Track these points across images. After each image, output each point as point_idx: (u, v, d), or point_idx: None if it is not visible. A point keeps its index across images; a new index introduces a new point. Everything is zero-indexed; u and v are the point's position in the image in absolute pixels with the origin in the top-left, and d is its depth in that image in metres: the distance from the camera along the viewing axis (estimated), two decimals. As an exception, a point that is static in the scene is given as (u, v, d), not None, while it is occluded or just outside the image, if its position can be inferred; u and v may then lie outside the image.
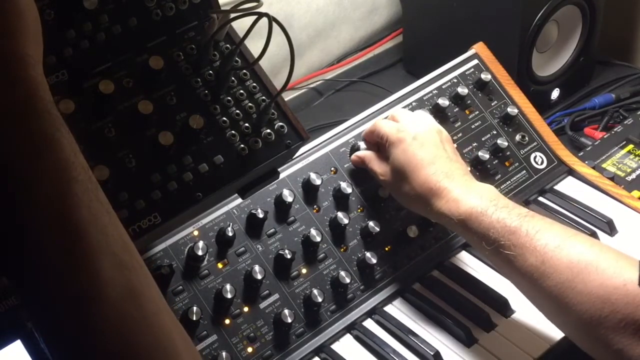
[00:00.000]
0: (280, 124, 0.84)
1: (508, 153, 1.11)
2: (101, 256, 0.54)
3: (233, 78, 0.84)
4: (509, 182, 1.10)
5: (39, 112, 0.56)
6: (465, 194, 0.90)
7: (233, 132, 0.81)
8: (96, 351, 0.53)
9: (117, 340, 0.53)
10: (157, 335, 0.55)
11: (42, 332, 0.55)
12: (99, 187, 0.58)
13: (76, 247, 0.54)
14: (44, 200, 0.54)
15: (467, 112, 1.11)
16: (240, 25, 0.82)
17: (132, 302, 0.55)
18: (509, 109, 1.11)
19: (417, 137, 0.95)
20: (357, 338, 0.94)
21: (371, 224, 0.98)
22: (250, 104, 0.84)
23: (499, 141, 1.09)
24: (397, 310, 0.97)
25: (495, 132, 1.11)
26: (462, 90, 1.10)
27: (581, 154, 1.20)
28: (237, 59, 0.84)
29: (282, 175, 0.93)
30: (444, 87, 1.11)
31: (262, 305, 0.91)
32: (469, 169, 1.06)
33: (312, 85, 1.50)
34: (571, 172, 1.14)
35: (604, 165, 1.18)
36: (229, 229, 0.90)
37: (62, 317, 0.53)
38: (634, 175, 1.17)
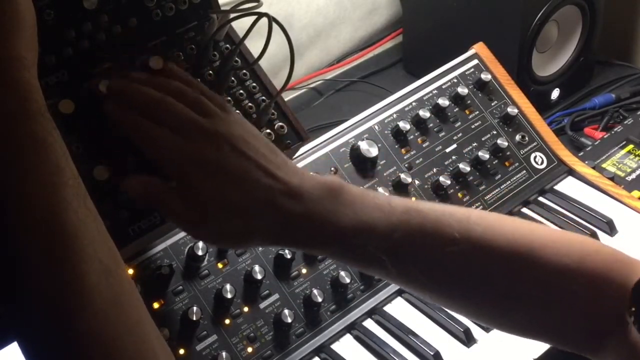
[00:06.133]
0: (280, 124, 0.84)
1: (508, 153, 1.11)
2: (88, 263, 0.54)
3: (233, 78, 0.84)
4: (509, 182, 1.10)
5: (32, 115, 0.56)
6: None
7: (233, 132, 0.81)
8: (77, 357, 0.53)
9: (99, 347, 0.53)
10: (138, 342, 0.55)
11: (22, 338, 0.55)
12: (87, 194, 0.58)
13: (63, 253, 0.53)
14: (33, 204, 0.54)
15: (467, 112, 1.11)
16: (240, 25, 0.82)
17: (115, 310, 0.54)
18: (509, 109, 1.11)
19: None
20: (357, 338, 0.94)
21: (371, 224, 0.98)
22: (250, 104, 0.84)
23: (499, 141, 1.09)
24: (397, 310, 0.97)
25: (495, 132, 1.11)
26: (462, 90, 1.10)
27: (581, 154, 1.21)
28: (237, 59, 0.84)
29: (282, 175, 0.93)
30: (444, 87, 1.11)
31: (262, 305, 0.91)
32: (469, 169, 1.06)
33: (312, 85, 1.50)
34: (571, 172, 1.14)
35: (604, 165, 1.18)
36: (229, 228, 0.90)
37: (45, 324, 0.53)
38: (634, 175, 1.17)
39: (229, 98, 0.83)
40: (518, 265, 0.68)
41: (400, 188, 1.03)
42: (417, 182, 1.05)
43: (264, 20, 0.77)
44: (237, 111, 0.82)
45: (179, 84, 0.73)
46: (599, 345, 0.69)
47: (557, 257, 0.68)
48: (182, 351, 0.85)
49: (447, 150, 1.08)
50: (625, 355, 0.67)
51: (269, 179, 0.67)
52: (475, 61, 1.15)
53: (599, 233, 1.05)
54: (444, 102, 1.08)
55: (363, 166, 1.02)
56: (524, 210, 1.10)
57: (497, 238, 0.68)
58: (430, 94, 1.10)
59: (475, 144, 1.10)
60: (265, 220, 0.67)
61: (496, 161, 1.10)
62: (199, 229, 0.68)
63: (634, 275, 0.67)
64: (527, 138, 1.13)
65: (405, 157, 1.06)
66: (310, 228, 0.67)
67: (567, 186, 1.13)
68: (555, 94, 1.37)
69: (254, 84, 0.85)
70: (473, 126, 1.11)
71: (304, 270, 0.94)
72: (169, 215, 0.69)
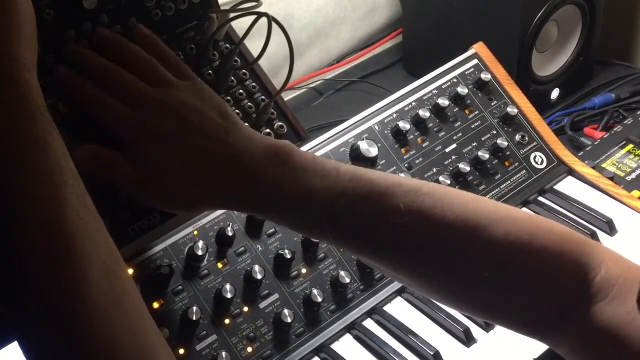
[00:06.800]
0: (280, 123, 0.84)
1: (508, 153, 1.11)
2: (89, 262, 0.54)
3: (233, 78, 0.84)
4: (509, 182, 1.10)
5: (32, 115, 0.56)
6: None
7: (233, 132, 0.81)
8: (79, 356, 0.53)
9: (100, 346, 0.53)
10: (140, 341, 0.55)
11: (23, 338, 0.55)
12: (87, 194, 0.58)
13: (64, 253, 0.53)
14: (33, 204, 0.54)
15: (467, 112, 1.11)
16: (240, 25, 0.82)
17: (116, 309, 0.54)
18: (509, 109, 1.11)
19: None
20: (357, 338, 0.94)
21: (371, 224, 0.98)
22: (250, 104, 0.84)
23: (499, 141, 1.09)
24: (397, 310, 0.97)
25: (495, 132, 1.11)
26: (462, 90, 1.10)
27: (581, 154, 1.20)
28: (236, 58, 0.84)
29: (282, 175, 0.93)
30: (444, 87, 1.11)
31: (262, 305, 0.91)
32: (469, 169, 1.06)
33: (312, 85, 1.50)
34: (571, 172, 1.14)
35: (604, 165, 1.18)
36: (229, 229, 0.90)
37: (46, 323, 0.53)
38: (634, 175, 1.17)
39: (229, 98, 0.83)
40: (465, 239, 0.67)
41: (400, 188, 1.03)
42: (417, 182, 1.04)
43: (264, 20, 0.77)
44: (237, 111, 0.82)
45: (136, 51, 0.75)
46: (550, 328, 0.67)
47: (506, 234, 0.67)
48: (182, 351, 0.85)
49: (447, 150, 1.08)
50: (586, 341, 0.65)
51: (213, 143, 0.69)
52: (475, 61, 1.14)
53: (599, 233, 1.05)
54: (444, 102, 1.08)
55: (363, 166, 1.02)
56: (524, 210, 1.10)
57: (445, 212, 0.67)
58: (430, 94, 1.10)
59: (475, 144, 1.10)
60: (210, 185, 0.69)
61: (496, 161, 1.10)
62: (149, 196, 0.71)
63: (589, 256, 0.66)
64: (527, 138, 1.13)
65: (405, 157, 1.06)
66: (253, 193, 0.69)
67: (567, 186, 1.13)
68: (555, 94, 1.37)
69: (254, 84, 0.85)
70: (473, 126, 1.11)
71: (304, 270, 0.94)
72: (119, 183, 0.71)
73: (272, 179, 0.68)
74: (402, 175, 1.02)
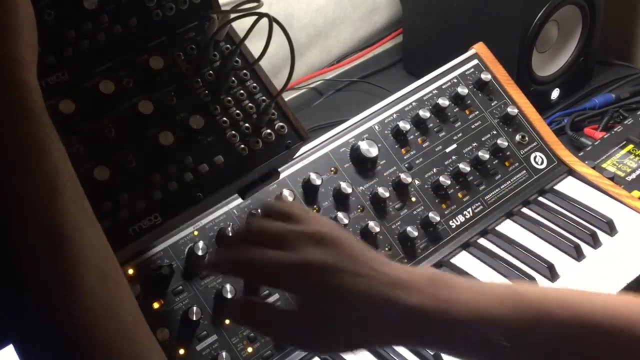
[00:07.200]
0: (281, 124, 0.84)
1: (508, 153, 1.11)
2: (84, 267, 0.54)
3: (233, 78, 0.84)
4: (509, 182, 1.10)
5: (30, 116, 0.56)
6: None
7: (233, 132, 0.81)
8: (76, 357, 0.53)
9: (95, 351, 0.53)
10: (135, 347, 0.55)
11: (21, 339, 0.55)
12: (85, 197, 0.58)
13: (60, 256, 0.53)
14: (32, 206, 0.54)
15: (467, 112, 1.11)
16: (241, 25, 0.82)
17: (112, 314, 0.54)
18: (509, 109, 1.11)
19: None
20: (357, 338, 0.94)
21: (371, 224, 0.98)
22: (250, 104, 0.84)
23: (499, 141, 1.09)
24: (397, 310, 0.97)
25: (495, 132, 1.11)
26: (462, 90, 1.10)
27: (581, 154, 1.21)
28: (237, 59, 0.84)
29: (282, 176, 0.93)
30: (444, 87, 1.11)
31: (262, 305, 0.91)
32: (469, 169, 1.06)
33: (312, 85, 1.50)
34: (571, 172, 1.14)
35: (604, 165, 1.18)
36: (229, 229, 0.90)
37: (44, 325, 0.53)
38: (634, 175, 1.17)
39: (229, 98, 0.83)
40: (620, 340, 0.66)
41: (400, 188, 1.03)
42: (417, 182, 1.05)
43: (265, 20, 0.77)
44: (238, 111, 0.82)
45: (257, 227, 0.72)
46: None
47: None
48: (182, 351, 0.85)
49: (447, 150, 1.08)
50: None
51: (378, 283, 0.66)
52: (475, 61, 1.15)
53: (599, 233, 1.05)
54: (444, 102, 1.08)
55: (363, 166, 1.03)
56: (524, 210, 1.10)
57: (596, 314, 0.66)
58: (430, 94, 1.10)
59: (475, 144, 1.10)
60: (383, 320, 0.65)
61: (496, 161, 1.10)
62: (313, 341, 0.68)
63: None
64: (527, 138, 1.13)
65: (405, 157, 1.06)
66: (429, 320, 0.65)
67: (567, 186, 1.13)
68: (555, 94, 1.37)
69: (255, 84, 0.85)
70: (473, 126, 1.11)
71: (304, 270, 0.94)
72: (279, 335, 0.70)
73: (444, 303, 0.65)
74: (402, 175, 1.02)
